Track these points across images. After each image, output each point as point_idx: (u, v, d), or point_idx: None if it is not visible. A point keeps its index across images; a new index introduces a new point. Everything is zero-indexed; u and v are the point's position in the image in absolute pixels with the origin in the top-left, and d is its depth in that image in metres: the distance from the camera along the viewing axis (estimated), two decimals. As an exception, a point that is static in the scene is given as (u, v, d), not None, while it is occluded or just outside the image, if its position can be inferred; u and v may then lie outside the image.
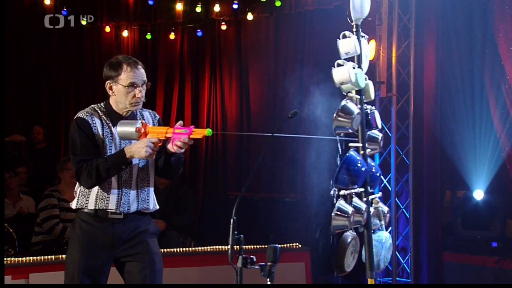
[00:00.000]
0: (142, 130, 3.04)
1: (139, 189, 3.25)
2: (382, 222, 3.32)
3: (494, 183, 5.99)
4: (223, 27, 8.31)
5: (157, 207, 3.42)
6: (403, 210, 6.58)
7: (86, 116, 3.20)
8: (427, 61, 6.54)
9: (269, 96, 8.25)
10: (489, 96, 5.90)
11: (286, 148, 7.52)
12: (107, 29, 8.60)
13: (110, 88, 3.25)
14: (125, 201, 3.20)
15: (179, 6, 8.35)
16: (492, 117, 5.88)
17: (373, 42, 6.49)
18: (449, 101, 6.33)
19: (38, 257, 4.74)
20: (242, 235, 2.76)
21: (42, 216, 5.45)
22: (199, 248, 5.44)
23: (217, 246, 5.39)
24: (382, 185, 6.67)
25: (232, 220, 2.76)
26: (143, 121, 3.15)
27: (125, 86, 3.18)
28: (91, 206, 3.20)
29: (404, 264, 6.55)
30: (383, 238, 3.25)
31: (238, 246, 2.75)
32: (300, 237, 6.14)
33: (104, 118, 3.23)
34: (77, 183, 3.27)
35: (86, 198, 3.22)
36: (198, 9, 8.21)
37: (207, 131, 2.93)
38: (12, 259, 4.67)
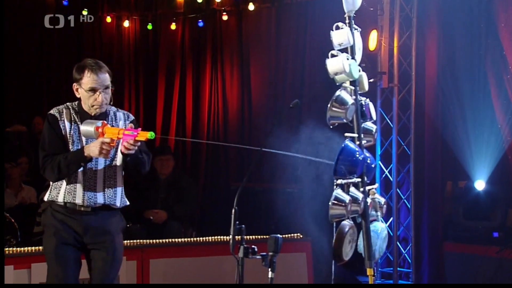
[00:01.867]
0: (100, 130, 3.21)
1: (105, 186, 3.42)
2: (379, 213, 3.35)
3: (495, 173, 6.02)
4: (224, 17, 8.32)
5: (127, 203, 3.58)
6: (404, 200, 6.62)
7: (56, 113, 3.40)
8: (429, 51, 6.56)
9: (270, 87, 8.26)
10: (491, 86, 5.92)
11: (289, 138, 7.54)
12: (108, 19, 8.62)
13: (76, 90, 3.43)
14: (91, 196, 3.37)
15: (180, -4, 8.36)
16: (494, 107, 5.90)
17: (374, 32, 6.50)
18: (451, 91, 6.35)
19: (40, 247, 4.78)
20: (243, 225, 2.80)
21: (44, 206, 5.49)
22: (201, 238, 5.48)
23: (219, 237, 5.43)
24: (384, 175, 6.71)
25: (233, 210, 2.80)
26: (104, 121, 3.29)
27: (86, 90, 3.35)
28: (60, 199, 3.40)
29: (405, 254, 6.59)
30: (378, 228, 3.29)
31: (239, 236, 2.79)
32: (301, 227, 6.18)
33: (74, 116, 3.41)
34: None
35: (57, 191, 3.42)
36: (199, -1, 8.23)
37: (149, 134, 3.08)
38: (14, 249, 4.71)
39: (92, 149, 3.23)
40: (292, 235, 5.81)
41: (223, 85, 8.53)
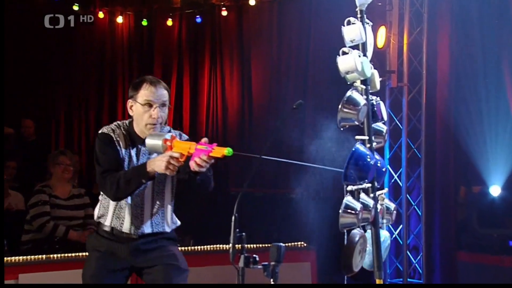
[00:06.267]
0: (169, 143, 3.05)
1: (152, 214, 3.33)
2: (385, 221, 3.33)
3: (512, 178, 6.01)
4: (224, 13, 8.30)
5: (178, 224, 3.49)
6: (415, 207, 6.59)
7: (110, 132, 3.28)
8: (441, 48, 6.53)
9: (272, 86, 8.24)
10: (507, 85, 5.89)
11: (291, 140, 7.52)
12: (101, 15, 8.59)
13: (131, 108, 3.31)
14: (137, 225, 3.29)
15: (177, -9, 8.35)
16: (510, 107, 5.88)
17: (383, 28, 6.48)
18: (464, 91, 6.32)
19: (28, 257, 4.75)
20: (244, 233, 2.77)
21: (32, 213, 5.46)
22: (199, 247, 5.46)
23: (218, 245, 5.42)
24: (393, 180, 6.67)
25: (233, 217, 2.76)
26: (173, 134, 3.15)
27: (142, 105, 3.24)
28: (107, 221, 3.31)
29: (416, 264, 6.56)
30: (382, 237, 3.25)
31: (240, 245, 2.76)
32: (305, 235, 6.15)
33: (127, 137, 3.30)
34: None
35: (105, 210, 3.34)
36: (197, -6, 8.22)
37: (226, 151, 2.92)
38: None
39: (157, 163, 3.06)
40: (296, 243, 5.79)
41: (222, 84, 8.52)
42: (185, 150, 3.03)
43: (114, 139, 3.26)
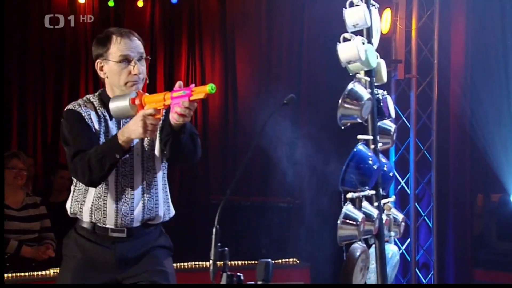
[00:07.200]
0: (138, 101, 2.96)
1: (144, 196, 3.19)
2: (392, 233, 3.34)
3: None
4: (204, -7, 8.30)
5: (172, 213, 3.35)
6: (425, 217, 6.62)
7: (77, 107, 3.16)
8: (455, 34, 6.57)
9: (260, 78, 8.25)
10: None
11: (281, 141, 7.53)
12: (59, -7, 8.55)
13: (101, 69, 3.20)
14: (126, 212, 3.14)
15: (148, -34, 8.34)
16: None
17: (388, 11, 6.51)
18: (482, 83, 6.36)
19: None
20: (226, 248, 2.76)
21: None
22: (175, 264, 5.44)
23: (197, 262, 5.45)
24: (399, 186, 6.70)
25: (214, 230, 2.76)
26: (140, 90, 3.05)
27: (116, 62, 3.13)
28: (86, 217, 3.16)
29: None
30: (389, 252, 3.27)
31: (222, 262, 2.76)
32: (298, 250, 6.16)
33: (101, 110, 3.18)
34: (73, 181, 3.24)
35: (80, 205, 3.19)
36: (173, -30, 8.20)
37: (209, 87, 2.81)
38: None
39: (132, 128, 2.94)
40: (287, 260, 5.81)
41: (202, 75, 8.50)
42: (159, 103, 2.94)
43: (84, 114, 3.13)
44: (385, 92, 3.35)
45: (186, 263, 5.43)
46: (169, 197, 3.33)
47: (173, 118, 2.93)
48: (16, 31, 8.48)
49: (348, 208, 2.98)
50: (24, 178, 5.65)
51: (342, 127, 3.13)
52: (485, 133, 6.30)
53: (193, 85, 2.90)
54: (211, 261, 2.73)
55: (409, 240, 6.56)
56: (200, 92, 2.84)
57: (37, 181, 7.75)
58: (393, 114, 3.38)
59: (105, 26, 8.59)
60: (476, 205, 6.57)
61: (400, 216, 3.43)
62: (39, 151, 8.30)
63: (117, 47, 3.13)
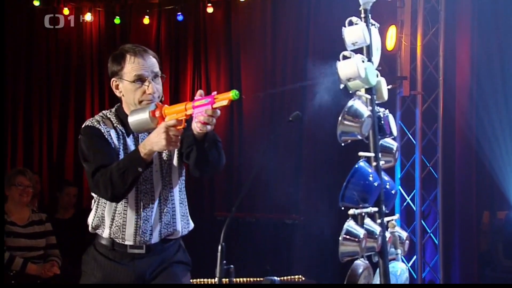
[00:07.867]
0: (158, 114, 2.93)
1: (163, 212, 3.20)
2: (399, 251, 3.34)
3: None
4: (209, 10, 8.34)
5: (191, 226, 3.35)
6: (431, 234, 6.62)
7: (96, 124, 3.16)
8: (460, 51, 6.59)
9: (265, 94, 8.27)
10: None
11: (286, 159, 7.56)
12: (65, 11, 8.61)
13: (117, 88, 3.22)
14: (145, 229, 3.16)
15: (154, -17, 8.41)
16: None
17: (393, 28, 6.54)
18: (487, 101, 6.37)
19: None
20: (232, 266, 2.79)
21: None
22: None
23: (202, 279, 5.44)
24: (405, 203, 6.71)
25: (220, 247, 2.78)
26: (159, 103, 3.04)
27: (131, 82, 3.14)
28: (106, 233, 3.18)
29: (432, 302, 6.59)
30: (398, 270, 3.27)
31: (227, 279, 2.78)
32: (304, 267, 6.17)
33: (118, 126, 3.19)
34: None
35: (101, 221, 3.21)
36: (179, -13, 8.26)
37: (232, 94, 2.79)
38: None
39: (155, 141, 2.91)
40: (292, 277, 5.80)
41: (208, 92, 8.49)
42: (181, 114, 2.90)
43: (103, 130, 3.13)
44: (387, 111, 3.36)
45: (191, 280, 5.44)
46: (187, 210, 3.33)
47: (197, 127, 2.90)
48: (22, 51, 8.56)
49: (349, 225, 3.00)
50: (30, 195, 5.68)
51: (342, 144, 3.15)
52: (491, 151, 6.30)
53: (215, 92, 2.88)
54: (216, 279, 2.76)
55: (415, 257, 6.56)
56: (224, 99, 2.81)
57: (43, 198, 7.80)
58: (395, 132, 3.37)
59: (111, 43, 8.70)
60: (482, 222, 6.56)
61: (404, 234, 3.43)
62: (45, 168, 8.35)
63: (131, 67, 3.14)
